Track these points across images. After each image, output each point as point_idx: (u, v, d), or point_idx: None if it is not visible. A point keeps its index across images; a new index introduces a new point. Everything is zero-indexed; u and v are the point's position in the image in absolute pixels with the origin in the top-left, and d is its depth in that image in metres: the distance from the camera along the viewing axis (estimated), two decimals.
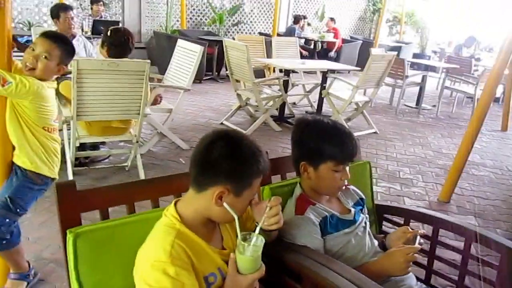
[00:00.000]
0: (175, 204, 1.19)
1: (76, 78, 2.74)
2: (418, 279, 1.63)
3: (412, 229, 1.53)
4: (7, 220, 1.90)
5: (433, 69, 8.55)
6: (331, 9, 12.48)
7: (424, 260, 1.72)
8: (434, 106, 7.56)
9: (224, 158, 1.11)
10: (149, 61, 2.97)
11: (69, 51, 2.04)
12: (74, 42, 4.15)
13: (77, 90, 2.80)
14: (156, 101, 3.93)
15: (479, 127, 3.52)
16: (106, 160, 3.84)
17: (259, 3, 10.96)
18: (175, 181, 1.41)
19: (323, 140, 1.47)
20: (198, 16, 9.74)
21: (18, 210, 1.92)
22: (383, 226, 1.92)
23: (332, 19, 10.67)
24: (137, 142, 3.28)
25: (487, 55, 11.13)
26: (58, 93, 3.29)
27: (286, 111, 5.75)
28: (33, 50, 1.93)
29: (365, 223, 1.60)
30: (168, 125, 4.26)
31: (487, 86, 3.49)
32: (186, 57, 4.21)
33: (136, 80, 2.95)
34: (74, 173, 3.29)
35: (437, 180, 4.15)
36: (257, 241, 1.12)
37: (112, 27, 3.18)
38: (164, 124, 4.14)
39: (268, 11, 11.13)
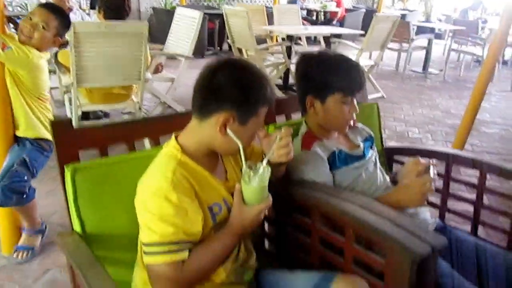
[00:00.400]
0: (176, 137, 1.14)
1: (73, 42, 2.67)
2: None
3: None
4: (26, 177, 1.95)
5: (439, 36, 8.37)
6: None
7: (437, 198, 1.67)
8: (441, 70, 7.41)
9: (230, 84, 1.05)
10: (147, 23, 2.89)
11: (65, 24, 2.11)
12: (71, 15, 4.10)
13: (75, 56, 2.72)
14: (157, 70, 3.87)
15: (486, 84, 3.40)
16: None
17: None
18: (176, 119, 1.35)
19: (329, 72, 1.40)
20: None
21: (34, 170, 1.99)
22: (393, 168, 1.86)
23: None
24: (139, 109, 3.22)
25: (494, 19, 10.88)
26: (57, 62, 3.25)
27: (291, 80, 5.66)
28: (31, 19, 1.94)
29: (375, 159, 1.54)
30: (171, 95, 4.19)
31: (493, 46, 3.37)
32: (186, 24, 4.11)
33: (135, 43, 2.87)
34: None
35: (447, 138, 4.08)
36: (264, 171, 1.06)
37: None
38: (167, 93, 4.08)
39: None
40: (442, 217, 1.67)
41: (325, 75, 1.41)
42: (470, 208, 1.60)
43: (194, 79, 1.10)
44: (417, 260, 0.97)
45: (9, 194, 1.89)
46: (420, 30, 8.67)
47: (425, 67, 7.28)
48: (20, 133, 2.02)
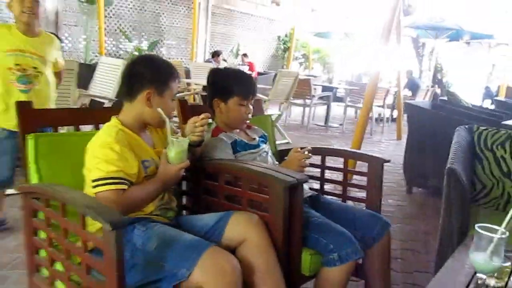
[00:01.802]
0: (116, 118, 1.55)
1: None
2: None
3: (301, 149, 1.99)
4: None
5: (340, 99, 9.61)
6: (245, 47, 13.35)
7: (317, 184, 2.18)
8: (341, 124, 8.41)
9: (146, 69, 1.52)
10: (77, 60, 3.26)
11: None
12: None
13: None
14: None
15: (363, 132, 4.53)
16: None
17: (177, 41, 11.54)
18: (113, 111, 1.75)
19: (231, 80, 1.91)
20: (117, 51, 10.04)
21: None
22: None
23: (245, 55, 11.48)
24: None
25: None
26: None
27: None
28: None
29: (268, 150, 2.03)
30: None
31: (365, 101, 4.55)
32: (109, 71, 4.50)
33: (65, 77, 3.22)
34: None
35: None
36: (183, 140, 1.50)
37: None
38: None
39: (185, 50, 11.71)
40: (322, 188, 2.16)
41: (228, 83, 1.91)
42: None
43: None
44: (288, 186, 1.44)
45: None
46: (324, 91, 9.83)
47: (326, 120, 8.23)
48: None
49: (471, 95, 12.99)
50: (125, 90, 1.53)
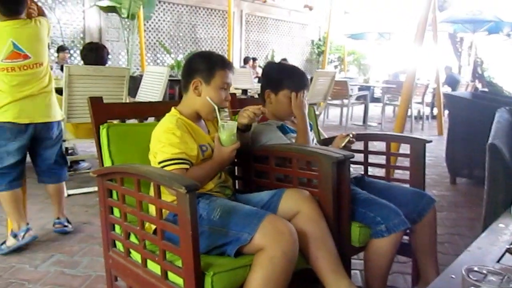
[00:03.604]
0: (175, 108, 1.72)
1: (67, 82, 3.23)
2: None
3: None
4: None
5: (377, 100, 9.62)
6: (280, 53, 13.55)
7: (361, 169, 2.28)
8: (379, 123, 8.41)
9: (194, 60, 1.70)
10: (129, 67, 3.50)
11: None
12: (52, 72, 4.64)
13: (68, 94, 3.27)
14: None
15: (403, 124, 4.52)
16: (89, 169, 4.24)
17: (214, 49, 11.85)
18: (172, 104, 1.92)
19: (283, 74, 2.04)
20: (156, 64, 10.43)
21: None
22: None
23: (284, 60, 11.62)
24: None
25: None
26: None
27: None
28: None
29: (313, 137, 2.15)
30: None
31: (403, 97, 4.50)
32: (155, 78, 4.76)
33: (117, 84, 3.47)
34: None
35: None
36: (232, 124, 1.64)
37: None
38: None
39: None
40: (365, 172, 2.26)
41: (280, 76, 2.04)
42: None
43: None
44: (335, 161, 1.56)
45: None
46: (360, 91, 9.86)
47: (364, 120, 8.25)
48: None
49: None
50: (182, 83, 1.70)
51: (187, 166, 1.52)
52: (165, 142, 1.54)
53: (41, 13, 2.59)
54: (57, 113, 2.64)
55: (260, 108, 1.71)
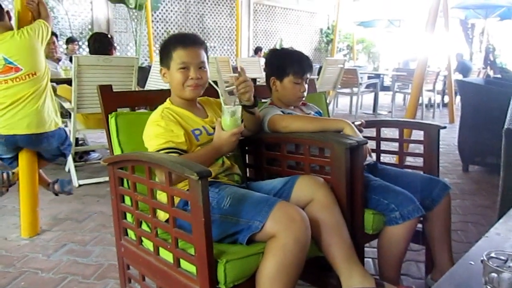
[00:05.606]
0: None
1: (76, 72, 3.22)
2: None
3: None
4: None
5: (387, 88, 9.48)
6: (288, 42, 13.46)
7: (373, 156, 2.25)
8: (389, 112, 8.33)
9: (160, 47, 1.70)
10: (137, 57, 3.49)
11: None
12: (60, 64, 4.66)
13: (77, 84, 3.27)
14: None
15: (414, 112, 4.27)
16: (99, 159, 4.25)
17: (221, 42, 11.80)
18: None
19: (286, 59, 2.01)
20: None
21: None
22: None
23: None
24: None
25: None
26: (56, 95, 3.75)
27: None
28: None
29: None
30: None
31: (414, 84, 4.33)
32: None
33: (126, 74, 3.46)
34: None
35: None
36: (235, 107, 1.57)
37: None
38: None
39: (229, 49, 11.95)
40: (378, 159, 2.22)
41: (283, 62, 2.01)
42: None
43: None
44: (349, 147, 1.53)
45: None
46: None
47: (374, 108, 8.17)
48: None
49: None
50: None
51: (175, 155, 1.49)
52: (151, 134, 1.56)
53: (39, 11, 2.59)
54: (52, 123, 2.60)
55: (245, 78, 1.64)
